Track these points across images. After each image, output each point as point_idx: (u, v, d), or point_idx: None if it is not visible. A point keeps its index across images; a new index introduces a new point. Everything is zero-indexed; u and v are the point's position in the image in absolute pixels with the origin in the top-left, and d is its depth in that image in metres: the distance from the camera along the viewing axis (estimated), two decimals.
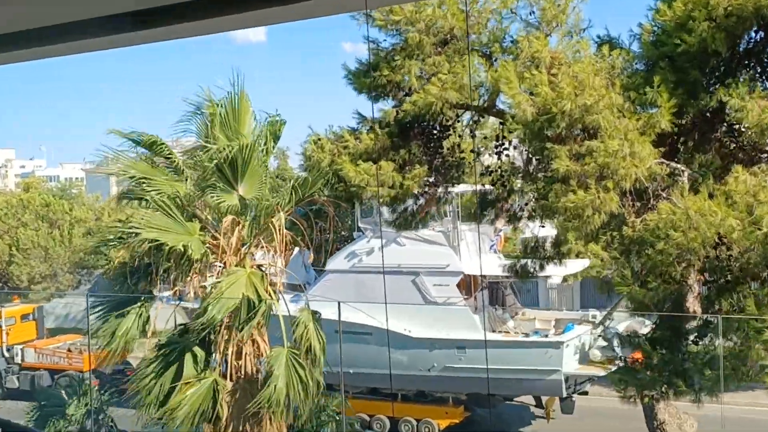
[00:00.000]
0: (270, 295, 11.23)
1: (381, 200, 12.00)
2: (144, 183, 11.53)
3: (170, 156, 12.05)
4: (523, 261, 13.02)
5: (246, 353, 11.37)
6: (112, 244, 11.96)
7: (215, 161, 11.22)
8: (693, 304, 9.20)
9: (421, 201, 12.80)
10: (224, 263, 11.51)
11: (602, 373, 19.76)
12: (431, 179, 11.80)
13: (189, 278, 11.71)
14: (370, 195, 11.59)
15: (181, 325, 12.08)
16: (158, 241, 10.78)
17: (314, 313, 11.62)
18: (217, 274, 11.66)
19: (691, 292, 9.08)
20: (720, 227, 8.15)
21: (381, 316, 19.22)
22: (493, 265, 21.32)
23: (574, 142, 8.81)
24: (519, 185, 11.66)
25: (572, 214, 8.30)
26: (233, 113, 11.86)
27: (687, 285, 8.94)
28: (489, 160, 13.11)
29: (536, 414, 22.50)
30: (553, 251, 12.96)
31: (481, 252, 21.35)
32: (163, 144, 11.99)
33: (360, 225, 22.57)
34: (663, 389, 9.99)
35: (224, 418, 11.23)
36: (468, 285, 21.69)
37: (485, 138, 12.93)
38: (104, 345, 11.45)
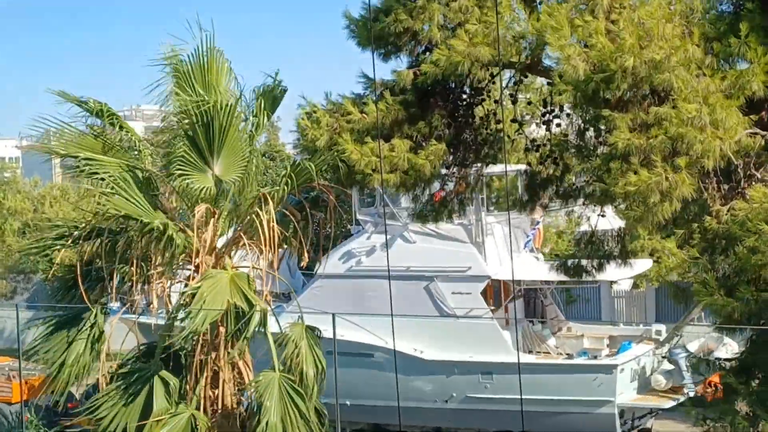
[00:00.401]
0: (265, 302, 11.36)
1: (396, 188, 12.04)
2: (93, 163, 11.69)
3: (123, 128, 12.22)
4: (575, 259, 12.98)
5: (223, 380, 11.53)
6: (54, 242, 12.13)
7: (183, 123, 11.28)
8: None
9: (449, 186, 12.88)
10: (197, 265, 11.66)
11: (667, 404, 19.69)
12: (459, 157, 11.86)
13: (153, 284, 11.87)
14: (379, 184, 11.59)
15: (144, 345, 12.22)
16: (129, 217, 10.90)
17: (311, 329, 11.74)
18: (190, 278, 11.82)
19: None
20: None
21: (385, 332, 19.17)
22: (530, 268, 21.17)
23: (639, 108, 8.84)
24: (579, 166, 11.64)
25: (634, 200, 8.33)
26: (201, 71, 11.97)
27: None
28: (536, 132, 13.14)
29: None
30: (617, 247, 12.98)
31: (513, 251, 21.15)
32: (114, 115, 12.15)
33: (359, 217, 22.46)
34: (759, 428, 10.00)
35: None
36: (496, 293, 21.64)
37: (529, 104, 12.97)
38: (53, 375, 11.60)
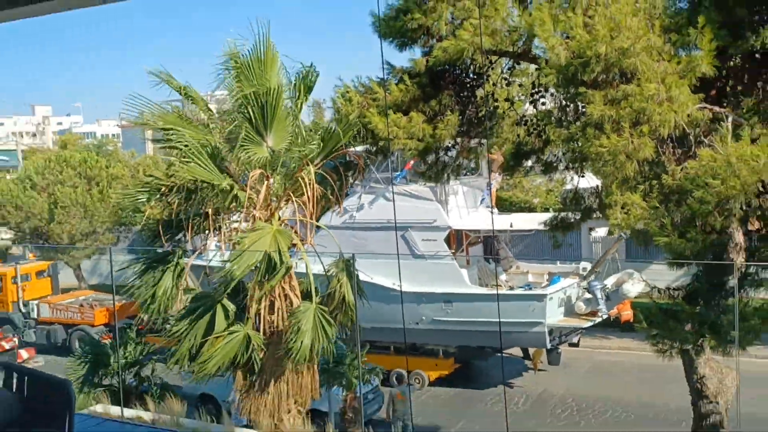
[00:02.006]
0: (298, 249, 11.45)
1: (410, 152, 12.01)
2: (174, 134, 11.79)
3: (198, 105, 12.29)
4: (562, 214, 13.04)
5: (278, 308, 11.69)
6: (142, 198, 12.29)
7: (243, 107, 11.35)
8: (735, 256, 9.13)
9: (453, 152, 12.84)
10: (252, 218, 11.76)
11: (585, 324, 20.71)
12: (463, 129, 11.79)
13: (220, 234, 12.01)
14: (400, 147, 11.60)
15: (211, 287, 12.40)
16: (200, 180, 10.99)
17: (348, 262, 11.85)
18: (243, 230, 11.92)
19: (732, 243, 9.01)
20: (763, 173, 8.02)
21: (372, 271, 19.97)
22: (485, 219, 22.05)
23: (610, 86, 8.71)
24: (556, 134, 11.54)
25: (604, 160, 8.26)
26: (258, 63, 11.96)
27: (728, 235, 8.86)
28: (527, 110, 12.99)
29: (529, 366, 23.55)
30: (596, 202, 12.93)
31: (471, 206, 22.10)
32: (193, 92, 12.22)
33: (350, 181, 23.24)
34: (699, 343, 9.98)
35: (258, 369, 11.55)
36: (459, 239, 22.40)
37: (520, 86, 12.79)
38: (147, 305, 11.83)
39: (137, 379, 15.44)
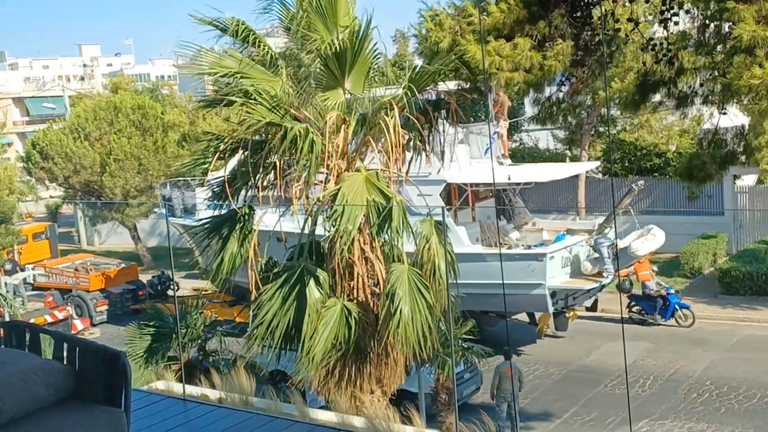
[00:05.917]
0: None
1: (517, 87, 11.73)
2: (236, 80, 11.88)
3: (260, 45, 12.33)
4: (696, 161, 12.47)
5: (358, 273, 11.73)
6: (205, 155, 12.54)
7: (319, 52, 11.31)
8: None
9: (566, 87, 12.47)
10: (331, 169, 11.79)
11: (588, 286, 21.13)
12: (577, 57, 11.39)
13: (294, 187, 12.12)
14: (503, 81, 11.31)
15: (291, 247, 12.48)
16: (270, 123, 11.09)
17: (438, 224, 11.78)
18: (324, 182, 11.98)
19: None
20: None
21: None
22: (488, 172, 21.68)
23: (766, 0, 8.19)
24: (693, 61, 10.98)
25: (757, 94, 7.80)
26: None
27: None
28: (656, 33, 12.41)
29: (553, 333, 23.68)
30: (740, 144, 12.36)
31: (474, 157, 22.15)
32: (251, 32, 12.25)
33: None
34: None
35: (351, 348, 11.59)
36: (462, 193, 22.64)
37: (647, 1, 12.20)
38: (213, 274, 12.03)
39: (202, 353, 15.96)
